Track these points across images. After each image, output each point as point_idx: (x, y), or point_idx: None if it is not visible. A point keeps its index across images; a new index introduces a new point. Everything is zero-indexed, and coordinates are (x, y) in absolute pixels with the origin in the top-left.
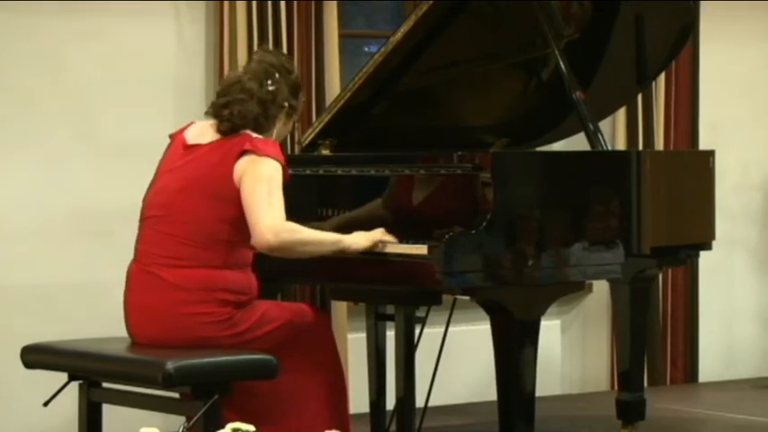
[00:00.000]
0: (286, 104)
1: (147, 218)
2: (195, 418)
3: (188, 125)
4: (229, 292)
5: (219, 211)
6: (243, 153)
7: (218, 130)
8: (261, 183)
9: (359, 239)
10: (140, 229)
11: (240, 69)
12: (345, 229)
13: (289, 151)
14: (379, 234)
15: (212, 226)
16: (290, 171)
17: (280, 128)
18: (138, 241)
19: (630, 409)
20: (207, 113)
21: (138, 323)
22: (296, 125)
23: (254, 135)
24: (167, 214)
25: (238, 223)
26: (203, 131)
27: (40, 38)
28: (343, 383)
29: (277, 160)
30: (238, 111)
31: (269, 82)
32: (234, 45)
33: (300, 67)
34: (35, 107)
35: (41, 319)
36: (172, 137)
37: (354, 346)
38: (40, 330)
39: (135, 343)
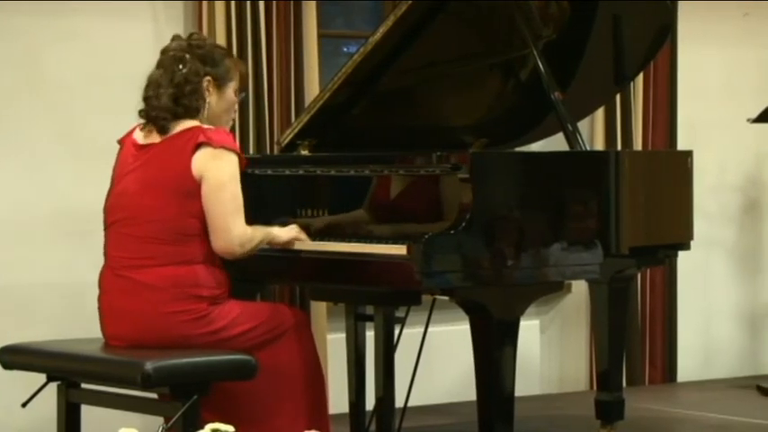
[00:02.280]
0: (207, 77)
1: (112, 223)
2: (174, 419)
3: (134, 128)
4: (203, 287)
5: (184, 207)
6: (198, 146)
7: (158, 133)
8: (225, 186)
9: (280, 233)
10: (106, 235)
11: (154, 67)
12: (325, 229)
13: (267, 151)
14: (294, 231)
15: (179, 221)
16: (248, 165)
17: (216, 102)
18: (106, 248)
19: (609, 408)
20: (141, 121)
21: (114, 327)
22: (240, 93)
23: (206, 126)
24: (131, 216)
25: (204, 217)
26: (152, 131)
27: (17, 39)
28: (322, 384)
29: (234, 151)
30: (154, 107)
31: (180, 66)
32: None
33: (279, 68)
34: (14, 108)
35: (20, 319)
36: (120, 142)
37: (334, 346)
38: (19, 331)
39: (113, 344)
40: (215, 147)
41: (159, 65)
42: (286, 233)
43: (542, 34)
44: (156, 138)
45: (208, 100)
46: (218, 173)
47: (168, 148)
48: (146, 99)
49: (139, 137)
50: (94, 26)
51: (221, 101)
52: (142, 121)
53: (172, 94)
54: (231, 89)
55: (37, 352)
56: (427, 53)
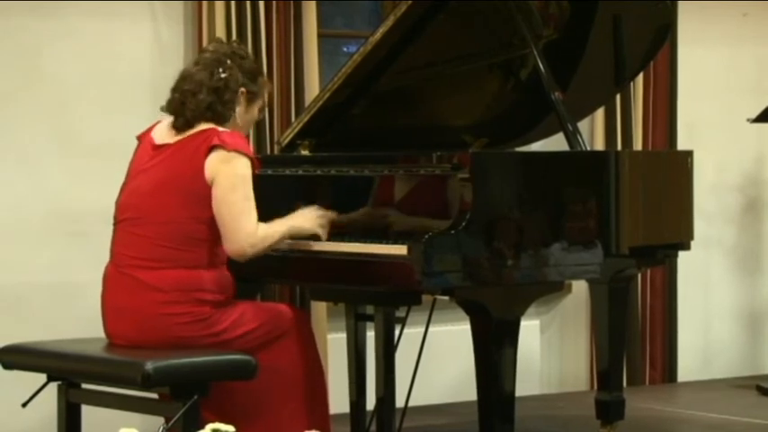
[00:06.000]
0: (243, 89)
1: (121, 221)
2: (174, 419)
3: (154, 124)
4: (206, 291)
5: (194, 211)
6: (212, 149)
7: (174, 126)
8: (236, 188)
9: (303, 223)
10: (114, 231)
11: (192, 63)
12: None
13: (268, 151)
14: (315, 216)
15: (188, 226)
16: (261, 167)
17: (242, 114)
18: (113, 244)
19: (610, 408)
20: (162, 110)
21: (116, 324)
22: (262, 112)
23: (221, 129)
24: (141, 216)
25: (213, 222)
26: (170, 130)
27: (16, 38)
28: (322, 383)
29: (247, 155)
30: (190, 103)
31: (220, 70)
32: None
33: (279, 68)
34: (11, 108)
35: (15, 319)
36: (139, 138)
37: (334, 346)
38: (15, 331)
39: (113, 344)
40: (228, 150)
41: (198, 62)
42: (309, 222)
43: (543, 34)
44: (171, 138)
45: (237, 111)
46: (229, 176)
47: (182, 149)
48: (183, 92)
49: (157, 135)
50: (93, 26)
51: (247, 115)
52: (162, 117)
53: (213, 99)
54: (257, 106)
55: (37, 352)
56: (427, 53)
